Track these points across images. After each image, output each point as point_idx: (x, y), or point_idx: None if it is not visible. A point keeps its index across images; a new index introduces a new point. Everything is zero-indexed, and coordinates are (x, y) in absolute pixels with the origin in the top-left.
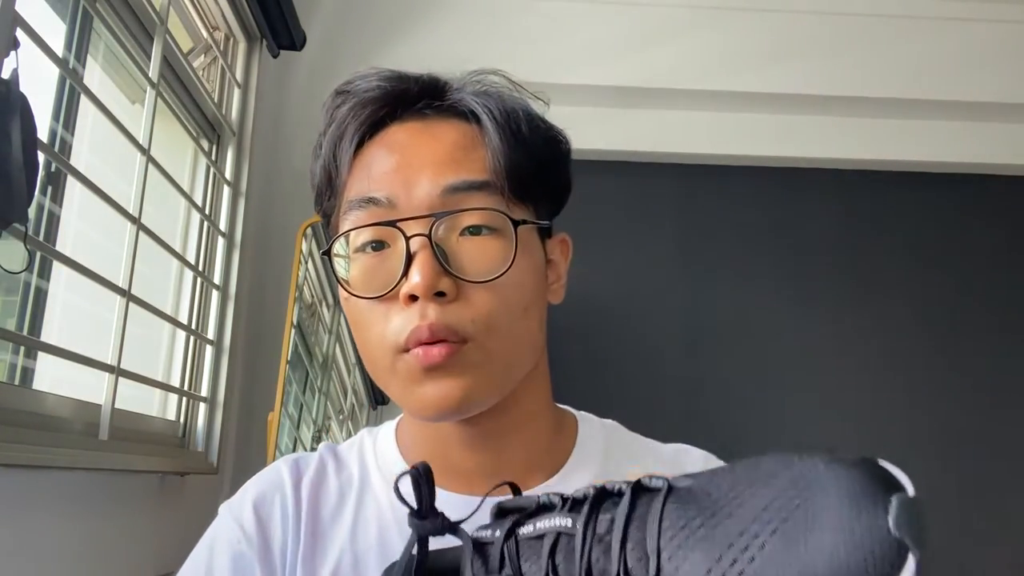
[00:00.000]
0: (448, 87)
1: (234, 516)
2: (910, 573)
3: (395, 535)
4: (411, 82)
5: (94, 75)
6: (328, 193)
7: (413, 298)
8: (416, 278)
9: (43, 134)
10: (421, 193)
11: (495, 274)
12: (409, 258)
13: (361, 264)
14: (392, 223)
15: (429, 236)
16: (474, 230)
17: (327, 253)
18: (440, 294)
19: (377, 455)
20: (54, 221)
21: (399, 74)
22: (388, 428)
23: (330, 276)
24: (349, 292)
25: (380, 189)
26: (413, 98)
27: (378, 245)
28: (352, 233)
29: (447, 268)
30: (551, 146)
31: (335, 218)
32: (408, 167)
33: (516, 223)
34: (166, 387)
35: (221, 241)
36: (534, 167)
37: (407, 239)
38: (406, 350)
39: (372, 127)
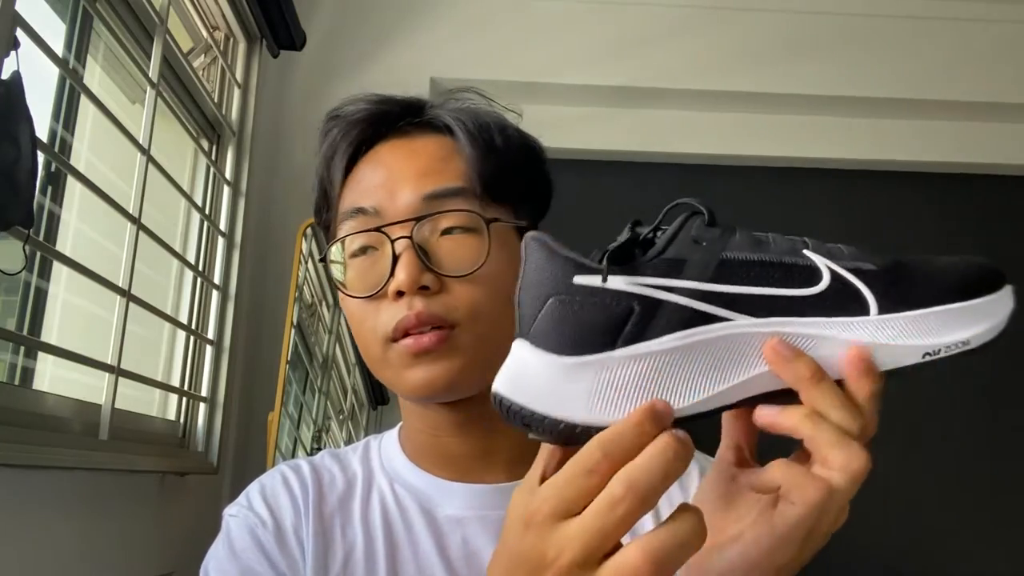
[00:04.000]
0: (426, 106)
1: (244, 508)
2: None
3: (400, 526)
4: (393, 104)
5: (94, 75)
6: (325, 206)
7: (400, 294)
8: (401, 275)
9: (43, 134)
10: (404, 201)
11: (473, 268)
12: (395, 259)
13: (355, 268)
14: (378, 228)
15: (411, 238)
16: (452, 231)
17: (324, 259)
18: (424, 288)
19: (382, 455)
20: (54, 221)
21: (383, 97)
22: (392, 431)
23: (330, 279)
24: (345, 293)
25: (368, 200)
26: (395, 117)
27: (369, 250)
28: (347, 240)
29: (428, 265)
30: (525, 152)
31: (332, 228)
32: (392, 180)
33: (488, 221)
34: (166, 387)
35: (221, 241)
36: (509, 172)
37: (392, 242)
38: (395, 340)
39: (360, 146)
